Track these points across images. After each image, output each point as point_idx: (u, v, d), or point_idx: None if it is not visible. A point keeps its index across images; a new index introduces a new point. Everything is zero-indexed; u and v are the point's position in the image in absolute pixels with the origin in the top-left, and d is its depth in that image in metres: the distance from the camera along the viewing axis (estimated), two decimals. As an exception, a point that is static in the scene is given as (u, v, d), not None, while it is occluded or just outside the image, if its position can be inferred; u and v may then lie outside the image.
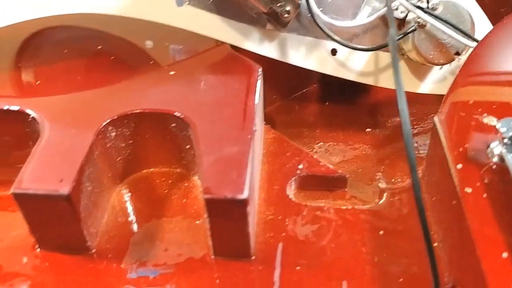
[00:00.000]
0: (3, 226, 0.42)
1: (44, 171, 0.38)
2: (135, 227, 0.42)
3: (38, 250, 0.41)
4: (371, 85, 0.59)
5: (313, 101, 0.62)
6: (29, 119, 0.43)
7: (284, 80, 0.59)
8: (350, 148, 0.55)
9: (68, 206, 0.37)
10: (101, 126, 0.41)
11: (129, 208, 0.43)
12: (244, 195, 0.36)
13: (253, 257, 0.40)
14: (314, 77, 0.64)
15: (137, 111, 0.42)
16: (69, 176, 0.37)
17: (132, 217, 0.43)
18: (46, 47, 0.54)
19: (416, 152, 0.53)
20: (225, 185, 0.36)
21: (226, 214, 0.37)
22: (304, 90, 0.64)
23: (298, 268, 0.39)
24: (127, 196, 0.44)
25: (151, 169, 0.47)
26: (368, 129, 0.57)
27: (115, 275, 0.39)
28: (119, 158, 0.44)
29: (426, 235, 0.32)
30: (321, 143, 0.55)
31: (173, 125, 0.43)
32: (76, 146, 0.39)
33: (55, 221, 0.38)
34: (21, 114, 0.43)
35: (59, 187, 0.36)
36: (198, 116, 0.42)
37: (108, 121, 0.41)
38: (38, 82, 0.48)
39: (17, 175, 0.44)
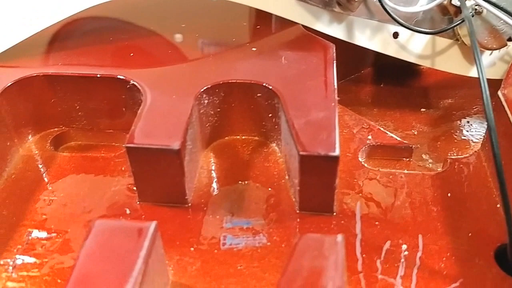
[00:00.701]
0: (103, 183, 0.47)
1: (153, 129, 0.42)
2: (223, 186, 0.46)
3: (138, 203, 0.45)
4: (421, 69, 0.64)
5: (368, 83, 0.67)
6: (128, 86, 0.48)
7: (341, 63, 0.63)
8: (407, 125, 0.59)
9: (177, 160, 0.41)
10: (199, 93, 0.45)
11: (217, 169, 0.48)
12: (336, 152, 0.40)
13: (334, 213, 0.44)
14: (368, 61, 0.69)
15: (231, 80, 0.46)
16: (177, 133, 0.42)
17: (220, 177, 0.47)
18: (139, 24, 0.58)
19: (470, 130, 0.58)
20: (317, 144, 0.41)
21: (318, 170, 0.41)
22: (358, 73, 0.68)
23: (376, 223, 0.43)
24: (213, 159, 0.49)
25: (233, 137, 0.51)
26: (423, 109, 0.61)
27: (212, 224, 0.43)
28: (208, 124, 0.49)
29: (503, 193, 0.37)
30: (380, 121, 0.59)
31: (259, 95, 0.47)
32: (178, 109, 0.44)
33: (161, 174, 0.42)
34: (121, 82, 0.48)
35: (170, 142, 0.41)
36: (284, 86, 0.46)
37: (204, 88, 0.46)
38: (132, 54, 0.52)
39: (106, 140, 0.49)
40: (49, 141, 0.51)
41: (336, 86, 0.47)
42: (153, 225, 0.34)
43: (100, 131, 0.52)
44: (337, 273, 0.32)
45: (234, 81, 0.47)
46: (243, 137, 0.51)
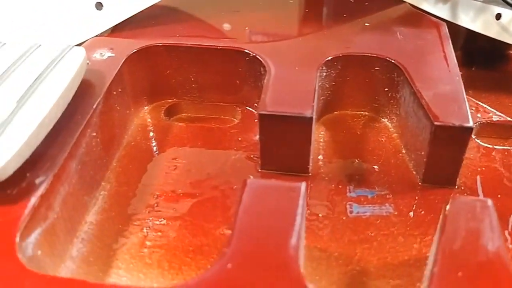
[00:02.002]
0: (222, 152, 0.48)
1: (283, 98, 0.43)
2: (339, 158, 0.47)
3: (260, 171, 0.45)
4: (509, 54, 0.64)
5: (460, 67, 0.66)
6: (247, 58, 0.48)
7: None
8: (504, 108, 0.59)
9: (309, 128, 0.42)
10: (320, 64, 0.46)
11: (330, 142, 0.48)
12: (470, 123, 0.40)
13: (456, 187, 0.44)
14: (457, 45, 0.69)
15: (351, 53, 0.47)
16: (307, 102, 0.42)
17: (335, 150, 0.48)
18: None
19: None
20: (450, 115, 0.41)
21: (449, 141, 0.41)
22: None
23: (499, 196, 0.43)
24: (325, 133, 0.49)
25: (343, 111, 0.52)
26: (518, 93, 0.61)
27: (336, 193, 0.44)
28: (321, 98, 0.49)
29: None
30: (477, 102, 0.59)
31: (377, 68, 0.48)
32: (303, 79, 0.45)
33: (289, 142, 0.43)
34: (240, 54, 0.49)
35: (303, 110, 0.41)
36: (405, 60, 0.47)
37: (325, 61, 0.46)
38: (247, 28, 0.53)
39: (216, 113, 0.50)
40: (163, 111, 0.52)
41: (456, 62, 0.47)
42: (303, 185, 0.35)
43: (211, 104, 0.53)
44: (494, 234, 0.32)
45: (354, 54, 0.47)
46: (353, 112, 0.52)
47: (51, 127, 0.39)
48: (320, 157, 0.47)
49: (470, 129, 0.40)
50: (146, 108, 0.52)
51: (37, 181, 0.36)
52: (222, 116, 0.53)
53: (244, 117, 0.52)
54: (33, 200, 0.35)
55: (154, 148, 0.48)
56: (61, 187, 0.38)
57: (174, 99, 0.53)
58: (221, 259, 0.31)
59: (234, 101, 0.52)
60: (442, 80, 0.44)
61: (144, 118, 0.51)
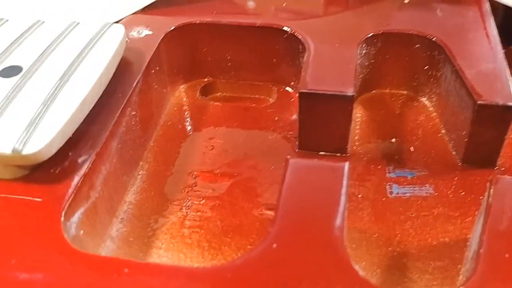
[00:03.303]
0: (258, 132, 0.48)
1: (324, 76, 0.42)
2: (377, 138, 0.47)
3: (297, 151, 0.45)
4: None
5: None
6: (285, 36, 0.48)
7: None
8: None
9: (349, 106, 0.41)
10: (360, 42, 0.45)
11: (368, 122, 0.48)
12: (514, 103, 0.39)
13: (496, 167, 0.43)
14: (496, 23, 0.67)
15: (391, 31, 0.46)
16: (348, 80, 0.42)
17: (373, 130, 0.47)
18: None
19: None
20: (494, 94, 0.40)
21: (492, 120, 0.40)
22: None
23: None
24: (362, 112, 0.49)
25: (380, 90, 0.51)
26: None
27: (375, 173, 0.43)
28: (360, 76, 0.48)
29: None
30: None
31: (417, 46, 0.47)
32: (343, 57, 0.44)
33: (329, 122, 0.42)
34: (278, 32, 0.48)
35: (344, 88, 0.41)
36: (446, 38, 0.46)
37: (364, 38, 0.46)
38: (285, 4, 0.52)
39: (251, 93, 0.50)
40: (198, 90, 0.52)
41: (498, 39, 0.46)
42: (346, 164, 0.35)
43: (247, 83, 0.53)
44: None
45: (395, 31, 0.46)
46: (391, 91, 0.51)
47: (92, 105, 0.40)
48: (358, 137, 0.46)
49: (512, 109, 0.39)
50: (182, 87, 0.52)
51: (80, 160, 0.36)
52: (257, 96, 0.53)
53: (280, 96, 0.51)
54: (76, 179, 0.35)
55: (190, 128, 0.48)
56: (102, 166, 0.38)
57: (210, 78, 0.53)
58: (266, 239, 0.30)
59: (270, 80, 0.51)
60: (484, 58, 0.43)
61: (180, 97, 0.51)
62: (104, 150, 0.38)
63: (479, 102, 0.39)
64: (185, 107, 0.50)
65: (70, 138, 0.37)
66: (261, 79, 0.52)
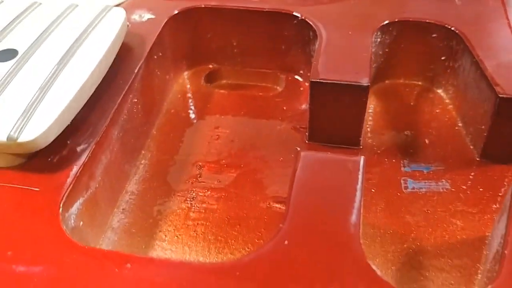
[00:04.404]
0: (266, 122, 0.46)
1: (337, 64, 0.40)
2: (391, 130, 0.45)
3: (307, 142, 0.43)
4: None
5: None
6: (295, 22, 0.46)
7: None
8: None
9: (364, 97, 0.39)
10: (375, 30, 0.43)
11: (382, 113, 0.46)
12: (538, 96, 0.37)
13: (514, 164, 0.41)
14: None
15: (407, 19, 0.44)
16: (363, 70, 0.39)
17: (386, 121, 0.45)
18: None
19: None
20: (517, 86, 0.38)
21: (514, 114, 0.38)
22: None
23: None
24: (375, 103, 0.47)
25: (394, 81, 0.49)
26: None
27: (389, 167, 0.41)
28: (374, 65, 0.46)
29: None
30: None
31: (435, 35, 0.45)
32: (357, 45, 0.42)
33: (342, 113, 0.40)
34: (287, 17, 0.46)
35: (359, 78, 0.39)
36: (465, 27, 0.44)
37: (379, 26, 0.43)
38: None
39: (258, 80, 0.48)
40: (203, 77, 0.50)
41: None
42: (362, 159, 0.33)
43: (253, 70, 0.50)
44: None
45: (411, 19, 0.44)
46: (406, 82, 0.49)
47: (92, 91, 0.38)
48: (370, 128, 0.44)
49: (538, 102, 0.37)
50: (185, 73, 0.50)
51: (79, 148, 0.34)
52: (264, 84, 0.51)
53: (288, 84, 0.49)
54: (75, 168, 0.33)
55: (194, 116, 0.46)
56: (102, 155, 0.36)
57: (215, 65, 0.51)
58: (276, 235, 0.28)
59: (278, 68, 0.49)
60: (505, 49, 0.41)
61: (183, 84, 0.49)
62: (104, 139, 0.36)
63: (500, 95, 0.37)
64: (189, 95, 0.48)
65: (68, 126, 0.35)
66: (269, 67, 0.50)
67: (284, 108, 0.47)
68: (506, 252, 0.28)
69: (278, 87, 0.50)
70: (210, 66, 0.51)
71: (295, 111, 0.46)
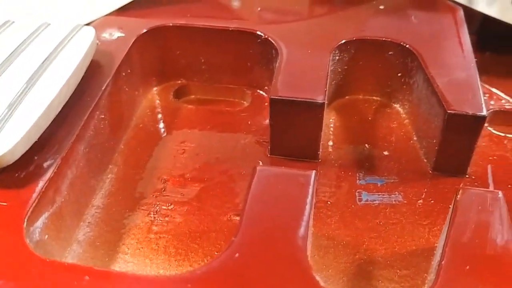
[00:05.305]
0: (231, 136, 0.48)
1: (295, 82, 0.42)
2: (349, 144, 0.47)
3: (269, 156, 0.45)
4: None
5: (473, 52, 0.65)
6: (259, 40, 0.48)
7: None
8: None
9: (320, 113, 0.41)
10: (333, 48, 0.45)
11: (340, 128, 0.48)
12: (483, 112, 0.40)
13: (466, 176, 0.43)
14: (472, 29, 0.67)
15: (364, 37, 0.46)
16: (319, 87, 0.42)
17: (345, 136, 0.47)
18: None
19: None
20: (464, 103, 0.40)
21: (462, 129, 0.41)
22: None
23: (509, 186, 0.43)
24: (335, 118, 0.49)
25: (354, 96, 0.51)
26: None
27: (345, 180, 0.43)
28: (333, 82, 0.48)
29: None
30: (490, 89, 0.58)
31: (391, 53, 0.47)
32: (315, 63, 0.44)
33: (300, 128, 0.42)
34: (252, 36, 0.48)
35: (314, 96, 0.41)
36: (420, 45, 0.46)
37: (338, 44, 0.46)
38: (259, 9, 0.52)
39: (225, 96, 0.50)
40: (172, 93, 0.52)
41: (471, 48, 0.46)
42: (313, 173, 0.35)
43: (221, 86, 0.52)
44: (504, 227, 0.32)
45: (369, 37, 0.46)
46: (365, 97, 0.51)
47: (60, 109, 0.39)
48: (330, 142, 0.46)
49: (483, 118, 0.39)
50: (154, 89, 0.52)
51: (45, 164, 0.36)
52: (232, 99, 0.52)
53: (254, 100, 0.51)
54: (41, 183, 0.35)
55: (162, 131, 0.48)
56: (68, 170, 0.38)
57: (184, 81, 0.52)
58: (228, 248, 0.30)
59: (245, 84, 0.51)
60: (457, 67, 0.43)
61: (152, 99, 0.51)
62: (70, 154, 0.38)
63: (449, 111, 0.39)
64: (158, 110, 0.50)
65: (36, 142, 0.36)
66: (236, 83, 0.52)
67: (249, 122, 0.49)
68: (443, 262, 0.30)
69: (244, 102, 0.52)
70: (179, 81, 0.53)
71: (259, 125, 0.48)
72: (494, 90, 0.54)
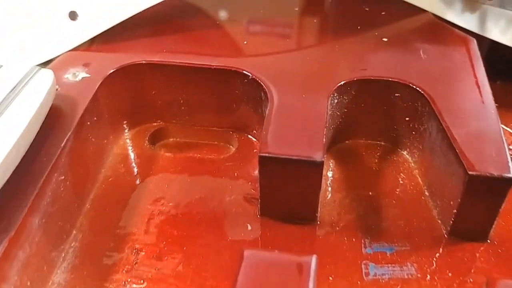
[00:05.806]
0: (216, 191, 0.41)
1: (288, 135, 0.36)
2: (352, 200, 0.40)
3: (259, 217, 0.38)
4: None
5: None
6: (246, 80, 0.41)
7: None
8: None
9: (318, 173, 0.35)
10: (331, 91, 0.39)
11: (341, 178, 0.41)
12: (511, 173, 0.33)
13: (488, 241, 0.37)
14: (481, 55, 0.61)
15: (367, 77, 0.40)
16: (317, 142, 0.35)
17: (347, 188, 0.41)
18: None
19: None
20: (487, 162, 0.34)
21: (485, 192, 0.34)
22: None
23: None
24: (334, 166, 0.42)
25: (355, 141, 0.45)
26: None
27: (349, 249, 0.37)
28: (332, 126, 0.42)
29: None
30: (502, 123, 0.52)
31: (397, 95, 0.41)
32: (312, 110, 0.38)
33: (295, 188, 0.36)
34: (238, 75, 0.41)
35: (312, 153, 0.34)
36: (431, 87, 0.40)
37: (336, 86, 0.39)
38: (246, 42, 0.45)
39: (208, 139, 0.43)
40: (147, 138, 0.45)
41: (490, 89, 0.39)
42: (313, 260, 0.28)
43: (203, 128, 0.46)
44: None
45: (371, 77, 0.40)
46: (368, 142, 0.45)
47: (8, 175, 0.32)
48: (329, 196, 0.40)
49: (509, 180, 0.33)
50: (127, 134, 0.45)
51: (-12, 249, 0.29)
52: (216, 142, 0.46)
53: (241, 145, 0.45)
54: (-20, 276, 0.28)
55: (136, 185, 0.41)
56: (19, 251, 0.31)
57: (161, 122, 0.46)
58: None
59: (230, 126, 0.45)
60: (475, 114, 0.37)
61: (124, 146, 0.44)
62: (22, 230, 0.31)
63: (470, 173, 0.33)
64: (130, 159, 0.43)
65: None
66: (220, 125, 0.45)
67: (236, 174, 0.42)
68: None
69: (231, 146, 0.45)
70: (155, 123, 0.46)
71: (247, 177, 0.42)
72: (509, 129, 0.47)
